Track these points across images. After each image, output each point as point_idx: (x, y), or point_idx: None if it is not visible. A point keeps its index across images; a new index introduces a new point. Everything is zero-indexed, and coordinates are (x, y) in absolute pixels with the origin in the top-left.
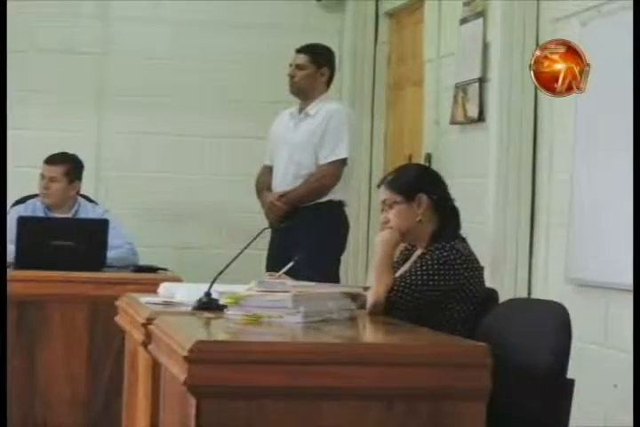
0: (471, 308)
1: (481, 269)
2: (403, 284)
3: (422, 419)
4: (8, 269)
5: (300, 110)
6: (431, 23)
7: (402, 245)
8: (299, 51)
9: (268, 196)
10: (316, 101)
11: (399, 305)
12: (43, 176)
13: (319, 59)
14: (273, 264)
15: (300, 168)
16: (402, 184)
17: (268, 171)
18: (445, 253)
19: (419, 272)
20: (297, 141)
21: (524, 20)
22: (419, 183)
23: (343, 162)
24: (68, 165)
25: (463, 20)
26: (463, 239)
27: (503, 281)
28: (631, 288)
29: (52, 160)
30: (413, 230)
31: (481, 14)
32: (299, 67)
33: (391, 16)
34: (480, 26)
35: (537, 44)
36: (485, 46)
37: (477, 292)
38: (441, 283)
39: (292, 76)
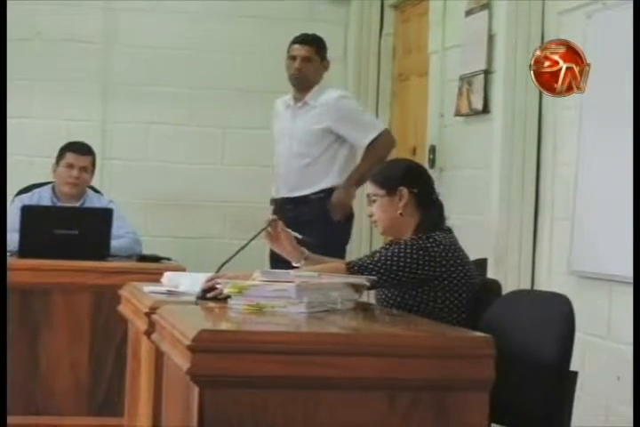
0: (462, 296)
1: (465, 258)
2: (367, 260)
3: (426, 410)
4: (9, 258)
5: (296, 100)
6: (436, 15)
7: (388, 238)
8: (302, 42)
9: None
10: (313, 90)
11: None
12: (71, 165)
13: (322, 51)
14: (277, 259)
15: (301, 157)
16: (384, 178)
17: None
18: (421, 242)
19: (389, 254)
20: (296, 132)
21: (529, 12)
22: (401, 177)
23: (385, 132)
24: (93, 156)
25: (468, 12)
26: (448, 230)
27: (506, 273)
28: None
29: (81, 150)
30: (395, 224)
31: (486, 6)
32: (306, 59)
33: (396, 8)
34: (485, 18)
35: (542, 36)
36: (490, 38)
37: (464, 280)
38: (413, 266)
39: (298, 69)
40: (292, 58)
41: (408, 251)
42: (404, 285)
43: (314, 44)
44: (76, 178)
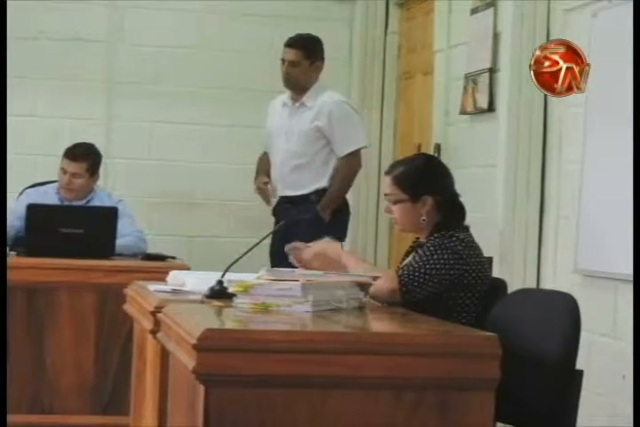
0: (475, 296)
1: (482, 256)
2: (410, 274)
3: (431, 409)
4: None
5: (293, 100)
6: (441, 13)
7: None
8: (290, 45)
9: (257, 179)
10: (310, 91)
11: (414, 295)
12: (64, 170)
13: (312, 53)
14: (279, 257)
15: (296, 157)
16: (409, 183)
17: (267, 158)
18: (446, 241)
19: (424, 259)
20: (293, 131)
21: (534, 11)
22: (426, 183)
23: (358, 151)
24: (90, 161)
25: (474, 10)
26: (465, 228)
27: (512, 272)
28: None
29: (74, 156)
30: (416, 225)
31: (491, 4)
32: (293, 63)
33: (401, 6)
34: (490, 16)
35: (547, 35)
36: (496, 36)
37: (480, 279)
38: (446, 266)
39: (287, 73)
40: (282, 61)
41: (437, 253)
42: (439, 288)
43: (301, 47)
44: (66, 184)
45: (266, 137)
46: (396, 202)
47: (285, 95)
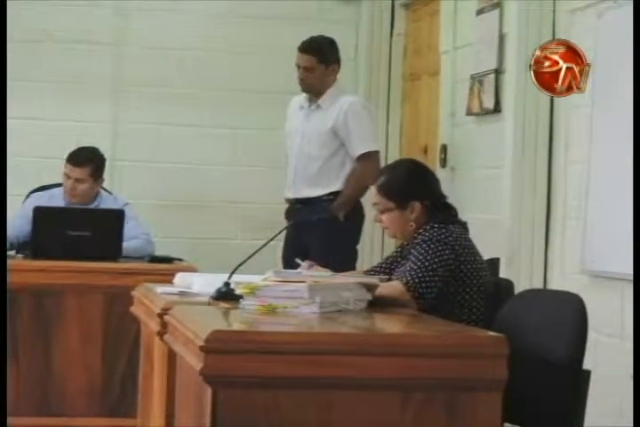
0: (473, 290)
1: (476, 251)
2: (414, 277)
3: (438, 409)
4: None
5: (310, 102)
6: (447, 14)
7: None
8: (303, 51)
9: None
10: (326, 93)
11: (427, 296)
12: (67, 176)
13: (326, 57)
14: (290, 259)
15: (312, 159)
16: (394, 190)
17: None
18: (435, 233)
19: (420, 257)
20: (307, 133)
21: (540, 11)
22: (411, 189)
23: (377, 153)
24: (94, 165)
25: (479, 11)
26: (462, 224)
27: (519, 272)
28: None
29: (77, 161)
30: (406, 231)
31: (497, 5)
32: (307, 69)
33: (407, 7)
34: (496, 17)
35: (553, 36)
36: (501, 37)
37: (476, 272)
38: (442, 258)
39: (302, 79)
40: (297, 66)
41: (430, 247)
42: (445, 283)
43: (314, 52)
44: (70, 189)
45: (285, 138)
46: (384, 211)
47: (302, 96)
